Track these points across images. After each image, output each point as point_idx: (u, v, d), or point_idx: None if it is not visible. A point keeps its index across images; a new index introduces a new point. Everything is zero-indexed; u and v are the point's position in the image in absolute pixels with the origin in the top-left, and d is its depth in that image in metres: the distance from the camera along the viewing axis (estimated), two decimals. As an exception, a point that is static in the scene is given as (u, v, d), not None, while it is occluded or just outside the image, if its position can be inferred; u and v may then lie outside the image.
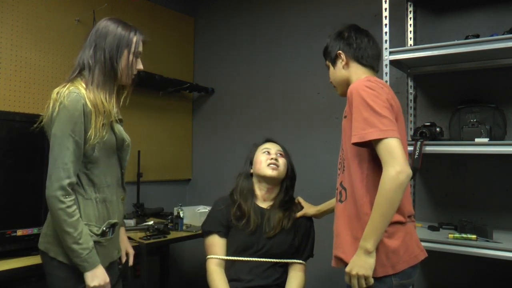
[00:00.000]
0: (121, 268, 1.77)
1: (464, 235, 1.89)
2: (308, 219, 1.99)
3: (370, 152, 1.41)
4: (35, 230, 1.87)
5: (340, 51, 1.58)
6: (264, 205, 1.96)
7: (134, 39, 1.58)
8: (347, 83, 1.58)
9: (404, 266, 1.41)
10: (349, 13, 2.68)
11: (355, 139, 1.37)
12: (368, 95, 1.37)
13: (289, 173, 2.00)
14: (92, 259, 1.47)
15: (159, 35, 3.06)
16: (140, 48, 1.61)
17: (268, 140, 2.07)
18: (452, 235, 1.91)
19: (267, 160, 1.94)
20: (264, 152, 1.97)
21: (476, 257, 1.90)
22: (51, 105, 1.47)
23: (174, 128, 3.26)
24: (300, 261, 1.93)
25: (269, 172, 1.91)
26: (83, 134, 1.46)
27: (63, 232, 1.43)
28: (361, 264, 1.35)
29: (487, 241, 1.84)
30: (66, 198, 1.43)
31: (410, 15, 2.40)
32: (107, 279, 1.51)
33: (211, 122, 3.33)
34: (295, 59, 2.91)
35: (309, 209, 1.98)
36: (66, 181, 1.42)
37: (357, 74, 1.56)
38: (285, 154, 2.02)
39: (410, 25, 2.40)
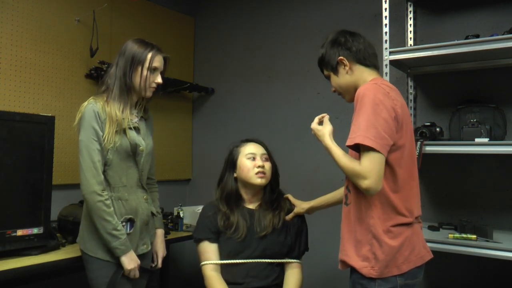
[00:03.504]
0: (153, 267, 1.94)
1: (464, 235, 1.89)
2: (299, 216, 1.98)
3: None
4: (35, 230, 1.88)
5: (342, 57, 1.55)
6: (252, 206, 1.96)
7: (149, 56, 1.76)
8: (354, 87, 1.55)
9: (410, 266, 1.41)
10: (349, 13, 2.68)
11: (347, 142, 1.40)
12: (370, 101, 1.37)
13: (273, 174, 1.97)
14: (128, 244, 1.70)
15: (159, 35, 3.05)
16: (156, 64, 1.78)
17: (249, 140, 1.99)
18: (452, 235, 1.91)
19: (254, 168, 1.89)
20: (249, 158, 1.91)
21: (476, 257, 1.90)
22: (76, 116, 1.74)
23: (174, 128, 3.25)
24: (296, 261, 1.93)
25: (258, 181, 1.88)
26: (101, 138, 1.69)
27: (104, 221, 1.65)
28: (321, 138, 1.57)
29: (487, 241, 1.84)
30: (103, 192, 1.66)
31: (410, 15, 2.40)
32: (139, 262, 1.74)
33: (211, 122, 3.33)
34: (295, 59, 2.91)
35: (300, 207, 1.96)
36: (101, 177, 1.67)
37: (363, 76, 1.54)
38: (269, 155, 1.97)
39: (410, 25, 2.40)
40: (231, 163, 1.97)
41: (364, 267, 1.42)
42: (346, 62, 1.55)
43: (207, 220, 1.92)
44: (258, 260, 1.85)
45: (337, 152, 1.46)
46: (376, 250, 1.40)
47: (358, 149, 1.39)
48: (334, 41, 1.58)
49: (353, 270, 1.48)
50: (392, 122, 1.38)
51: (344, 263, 1.51)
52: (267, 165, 1.93)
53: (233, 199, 1.93)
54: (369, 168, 1.32)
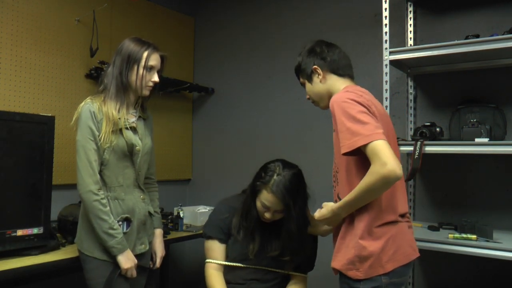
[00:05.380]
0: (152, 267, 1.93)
1: (464, 235, 1.89)
2: (313, 237, 1.91)
3: (363, 161, 1.40)
4: (35, 230, 1.88)
5: (316, 66, 1.61)
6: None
7: (145, 54, 1.75)
8: (328, 95, 1.61)
9: (394, 265, 1.43)
10: (349, 13, 2.68)
11: (344, 150, 1.40)
12: (348, 105, 1.40)
13: (291, 224, 1.77)
14: (124, 243, 1.70)
15: (159, 35, 3.05)
16: (153, 62, 1.76)
17: (273, 192, 1.74)
18: (452, 235, 1.91)
19: (263, 213, 1.80)
20: (263, 206, 1.78)
21: (476, 257, 1.90)
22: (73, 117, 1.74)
23: (174, 128, 3.26)
24: (302, 274, 1.92)
25: (263, 220, 1.83)
26: (98, 138, 1.69)
27: (100, 220, 1.65)
28: (331, 220, 1.53)
29: (487, 241, 1.84)
30: (99, 191, 1.67)
31: (410, 15, 2.40)
32: (136, 261, 1.73)
33: (211, 122, 3.33)
34: (295, 59, 2.90)
35: (318, 230, 1.86)
36: (97, 177, 1.67)
37: (337, 85, 1.59)
38: (286, 207, 1.75)
39: (410, 25, 2.40)
40: (253, 195, 1.83)
41: (350, 269, 1.44)
42: (319, 71, 1.61)
43: (222, 222, 1.90)
44: (263, 268, 1.85)
45: (349, 196, 1.41)
46: (361, 253, 1.42)
47: (354, 153, 1.39)
48: (311, 51, 1.66)
49: (341, 273, 1.50)
50: (369, 112, 1.40)
51: (334, 269, 1.53)
52: (277, 216, 1.81)
53: (257, 224, 1.86)
54: (381, 156, 1.30)
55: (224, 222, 1.90)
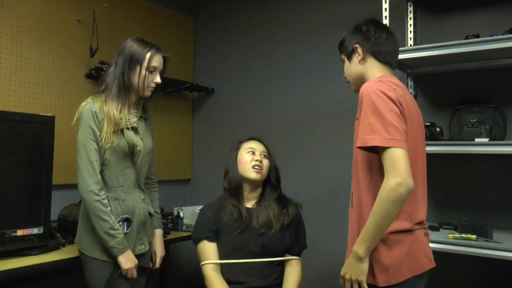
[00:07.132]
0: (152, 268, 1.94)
1: (464, 235, 1.89)
2: (296, 211, 1.97)
3: (375, 159, 1.37)
4: (35, 230, 1.88)
5: (357, 45, 1.51)
6: (249, 204, 1.96)
7: (147, 55, 1.74)
8: (362, 78, 1.52)
9: (408, 275, 1.36)
10: (349, 13, 2.68)
11: (358, 144, 1.34)
12: (378, 98, 1.32)
13: (272, 173, 2.00)
14: (125, 243, 1.69)
15: (159, 35, 3.05)
16: (155, 63, 1.76)
17: (252, 138, 2.04)
18: (452, 235, 1.91)
19: (252, 161, 1.93)
20: (249, 152, 1.96)
21: (476, 257, 1.90)
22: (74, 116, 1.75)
23: (174, 128, 3.26)
24: (296, 258, 1.94)
25: (253, 175, 1.91)
26: (99, 138, 1.69)
27: (101, 220, 1.64)
28: (353, 269, 1.34)
29: (487, 241, 1.85)
30: (101, 191, 1.67)
31: (410, 15, 2.40)
32: (136, 261, 1.73)
33: (211, 122, 3.33)
34: (295, 59, 2.91)
35: None
36: (98, 177, 1.67)
37: (373, 70, 1.50)
38: (269, 154, 2.01)
39: (410, 25, 2.40)
40: (235, 157, 1.99)
41: None
42: (360, 51, 1.51)
43: (207, 220, 1.93)
44: (259, 260, 1.86)
45: (365, 228, 1.32)
46: (376, 258, 1.36)
47: (370, 149, 1.34)
48: (356, 28, 1.55)
49: None
50: (399, 112, 1.33)
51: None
52: (265, 162, 1.96)
53: (239, 191, 1.94)
54: (396, 166, 1.24)
55: (209, 220, 1.92)
